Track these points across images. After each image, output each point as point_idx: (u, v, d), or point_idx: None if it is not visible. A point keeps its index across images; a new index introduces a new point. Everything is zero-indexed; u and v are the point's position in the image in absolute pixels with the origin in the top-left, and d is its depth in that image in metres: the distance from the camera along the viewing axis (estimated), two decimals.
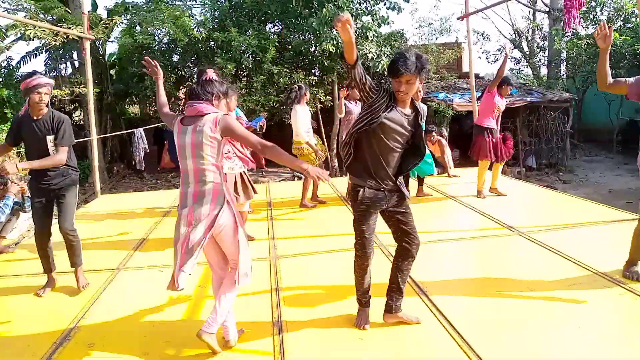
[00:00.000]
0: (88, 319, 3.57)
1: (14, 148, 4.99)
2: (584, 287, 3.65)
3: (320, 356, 2.94)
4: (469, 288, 3.79)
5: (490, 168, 6.83)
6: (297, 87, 6.51)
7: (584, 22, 16.30)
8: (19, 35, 13.41)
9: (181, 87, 15.44)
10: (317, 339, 3.12)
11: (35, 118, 3.81)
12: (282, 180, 13.32)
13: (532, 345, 2.90)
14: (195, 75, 15.53)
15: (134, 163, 12.17)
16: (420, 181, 7.09)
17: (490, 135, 6.60)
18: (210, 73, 2.95)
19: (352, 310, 3.38)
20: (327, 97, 13.88)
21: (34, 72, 3.76)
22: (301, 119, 6.31)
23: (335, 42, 12.93)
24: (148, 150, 12.05)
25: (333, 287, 3.90)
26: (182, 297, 3.82)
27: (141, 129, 11.48)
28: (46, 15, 13.67)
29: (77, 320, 3.53)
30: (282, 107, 14.34)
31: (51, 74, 14.82)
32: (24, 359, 3.04)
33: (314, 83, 13.58)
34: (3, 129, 11.90)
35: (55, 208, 4.06)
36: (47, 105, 3.84)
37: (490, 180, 6.96)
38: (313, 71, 14.56)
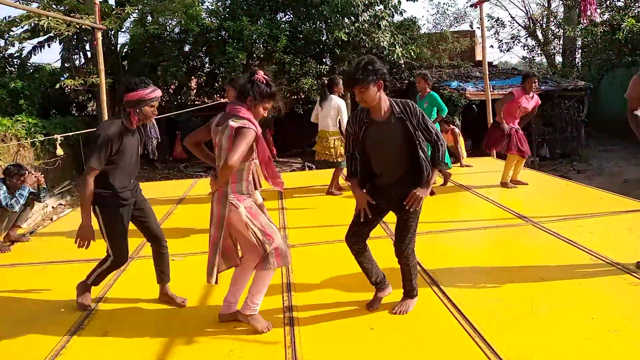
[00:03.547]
0: (101, 307, 3.62)
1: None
2: (598, 277, 3.62)
3: (331, 345, 2.94)
4: (481, 278, 3.76)
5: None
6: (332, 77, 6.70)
7: (600, 9, 16.00)
8: (32, 25, 13.51)
9: (193, 77, 15.46)
10: (328, 328, 3.13)
11: (131, 130, 3.41)
12: (293, 170, 13.33)
13: (544, 335, 2.88)
14: (207, 66, 15.58)
15: (146, 153, 12.23)
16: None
17: (512, 131, 6.52)
18: (259, 75, 2.95)
19: (363, 300, 3.39)
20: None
21: (147, 83, 3.32)
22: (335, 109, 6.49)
23: (346, 31, 12.84)
24: (160, 140, 12.08)
25: (344, 276, 3.90)
26: (193, 286, 3.85)
27: (153, 119, 11.49)
28: (58, 5, 13.74)
29: (91, 308, 3.57)
30: (293, 97, 14.31)
31: (65, 65, 14.93)
32: (39, 346, 3.08)
33: (325, 72, 13.52)
34: (17, 119, 12.03)
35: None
36: None
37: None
38: (324, 60, 14.50)
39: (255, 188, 3.16)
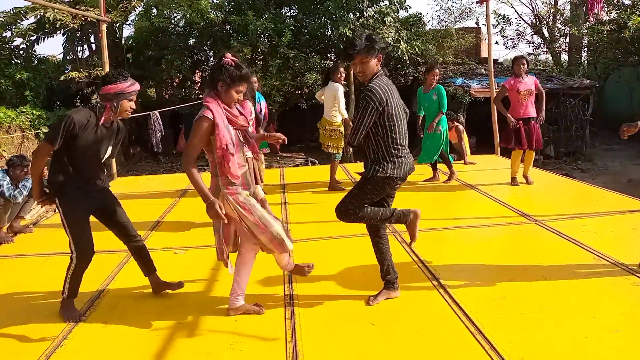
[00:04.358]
0: (103, 299, 3.63)
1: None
2: (600, 276, 3.61)
3: (331, 340, 2.94)
4: (483, 275, 3.76)
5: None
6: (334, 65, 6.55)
7: (607, 8, 15.88)
8: (38, 17, 13.51)
9: (197, 71, 15.44)
10: (328, 323, 3.13)
11: (105, 125, 3.22)
12: (296, 165, 13.32)
13: (545, 333, 2.88)
14: (212, 60, 15.56)
15: (150, 146, 12.25)
16: (434, 165, 7.05)
17: (520, 123, 6.37)
18: (227, 58, 2.90)
19: (364, 295, 3.39)
20: (343, 82, 13.84)
21: (126, 75, 3.18)
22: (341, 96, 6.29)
23: (351, 27, 12.80)
24: (164, 133, 12.09)
25: (345, 272, 3.91)
26: (195, 279, 3.86)
27: (157, 112, 11.51)
28: None
29: (92, 300, 3.59)
30: (297, 92, 14.29)
31: (68, 57, 14.94)
32: (41, 336, 3.09)
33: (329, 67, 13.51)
34: (22, 111, 12.05)
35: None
36: None
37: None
38: (329, 55, 14.48)
39: (257, 183, 3.15)
